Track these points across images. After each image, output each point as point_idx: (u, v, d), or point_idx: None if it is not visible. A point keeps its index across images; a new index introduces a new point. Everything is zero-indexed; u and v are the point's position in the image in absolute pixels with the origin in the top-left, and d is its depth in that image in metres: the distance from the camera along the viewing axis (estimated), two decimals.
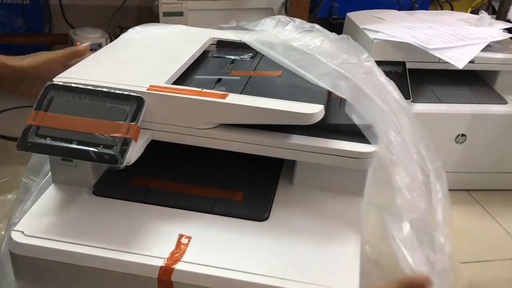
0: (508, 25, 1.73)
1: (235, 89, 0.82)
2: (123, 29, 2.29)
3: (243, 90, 0.82)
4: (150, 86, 0.76)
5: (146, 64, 0.87)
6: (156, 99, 0.74)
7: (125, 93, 0.74)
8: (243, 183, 0.82)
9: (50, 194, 0.79)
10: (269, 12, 2.12)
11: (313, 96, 0.78)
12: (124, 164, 0.69)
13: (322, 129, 0.76)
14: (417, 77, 1.63)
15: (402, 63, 1.59)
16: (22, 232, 0.71)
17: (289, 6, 1.79)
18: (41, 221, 0.73)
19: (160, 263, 0.67)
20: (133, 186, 0.81)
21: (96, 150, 0.69)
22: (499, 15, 2.05)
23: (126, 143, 0.69)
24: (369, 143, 0.77)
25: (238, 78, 0.87)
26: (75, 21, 2.49)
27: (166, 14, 1.99)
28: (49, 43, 2.44)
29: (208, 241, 0.71)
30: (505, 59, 1.61)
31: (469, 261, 1.42)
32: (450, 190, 1.73)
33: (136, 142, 0.71)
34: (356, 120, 0.79)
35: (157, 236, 0.72)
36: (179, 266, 0.67)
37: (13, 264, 0.72)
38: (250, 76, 0.88)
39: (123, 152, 0.69)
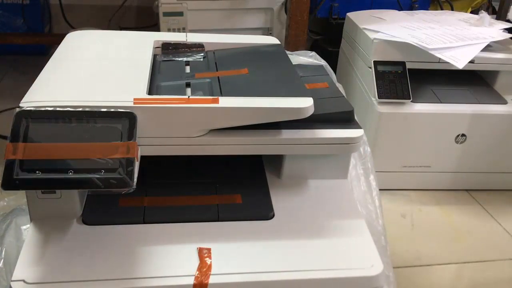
0: (508, 25, 1.72)
1: (214, 92, 0.80)
2: (123, 29, 2.29)
3: (222, 92, 0.80)
4: (135, 99, 0.71)
5: (112, 76, 0.80)
6: (145, 113, 0.70)
7: (112, 110, 0.68)
8: (235, 185, 0.82)
9: (36, 233, 0.71)
10: (268, 12, 2.12)
11: (296, 89, 0.79)
12: (134, 186, 0.64)
13: (304, 120, 0.76)
14: (417, 77, 1.63)
15: (402, 63, 1.59)
16: (24, 281, 0.64)
17: (289, 6, 1.79)
18: (40, 264, 0.66)
19: (191, 281, 0.65)
20: (126, 207, 0.76)
21: (99, 176, 0.63)
22: (499, 15, 2.05)
23: (130, 163, 0.64)
24: (354, 128, 0.79)
25: (208, 80, 0.85)
26: (75, 21, 2.49)
27: (166, 14, 1.98)
28: (49, 43, 2.44)
29: (228, 249, 0.71)
30: (505, 59, 1.61)
31: (469, 261, 1.42)
32: (450, 190, 1.74)
33: (138, 160, 0.66)
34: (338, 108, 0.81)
35: (175, 255, 0.69)
36: (212, 279, 0.66)
37: None
38: (218, 77, 0.86)
39: (130, 174, 0.64)
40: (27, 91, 0.73)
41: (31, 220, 0.74)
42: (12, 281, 0.64)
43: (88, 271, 0.66)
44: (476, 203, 1.67)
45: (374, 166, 0.99)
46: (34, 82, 0.76)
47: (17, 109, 0.67)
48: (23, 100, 0.70)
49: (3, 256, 0.80)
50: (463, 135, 1.62)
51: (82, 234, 0.72)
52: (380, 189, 1.02)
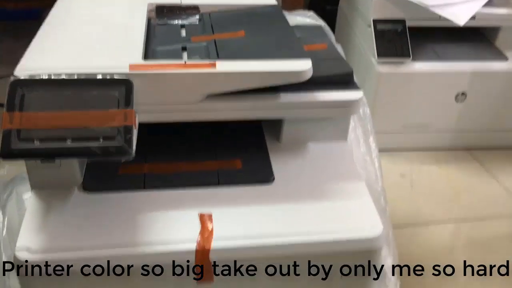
0: None
1: (211, 56, 0.78)
2: None
3: (219, 55, 0.78)
4: (130, 65, 0.69)
5: (106, 41, 0.78)
6: (141, 79, 0.68)
7: (108, 77, 0.67)
8: (235, 149, 0.82)
9: (37, 202, 0.71)
10: None
11: (294, 51, 0.77)
12: (133, 154, 0.63)
13: (303, 83, 0.75)
14: (417, 35, 1.61)
15: (402, 21, 1.56)
16: (27, 249, 0.64)
17: None
18: (43, 233, 0.66)
19: (193, 246, 0.66)
20: (126, 174, 0.76)
21: (98, 145, 0.62)
22: None
23: (128, 131, 0.63)
24: (354, 90, 0.79)
25: (204, 44, 0.83)
26: None
27: None
28: (41, 7, 2.39)
29: (229, 214, 0.71)
30: (506, 14, 1.58)
31: (467, 219, 1.44)
32: (449, 149, 1.74)
33: (136, 128, 0.65)
34: (337, 70, 0.80)
35: (176, 220, 0.69)
36: (214, 244, 0.66)
37: (24, 284, 0.66)
38: (215, 40, 0.84)
39: (129, 141, 0.63)
40: (21, 57, 0.71)
41: (32, 189, 0.73)
42: (16, 250, 0.64)
43: (90, 237, 0.66)
44: (476, 162, 1.68)
45: (373, 127, 0.99)
46: (27, 50, 0.74)
47: (12, 78, 0.66)
48: (17, 69, 0.69)
49: (5, 225, 0.80)
50: (463, 93, 1.61)
51: (83, 202, 0.72)
52: (379, 150, 1.02)
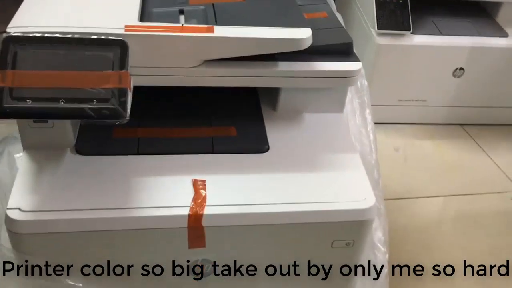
0: None
1: (209, 20, 0.76)
2: None
3: (217, 20, 0.76)
4: (126, 26, 0.67)
5: (102, 1, 0.75)
6: (137, 41, 0.66)
7: (103, 38, 0.64)
8: (230, 117, 0.81)
9: (29, 162, 0.71)
10: None
11: (294, 19, 0.76)
12: (128, 117, 0.62)
13: (301, 52, 0.73)
14: (418, 8, 1.58)
15: None
16: (19, 209, 0.64)
17: None
18: (35, 193, 0.66)
19: (186, 211, 0.66)
20: (120, 138, 0.75)
21: (91, 106, 0.61)
22: None
23: (123, 93, 0.62)
24: (353, 61, 0.78)
25: (202, 7, 0.80)
26: None
27: None
28: None
29: (222, 181, 0.71)
30: None
31: (457, 194, 1.45)
32: (444, 124, 1.74)
33: (131, 91, 0.64)
34: (336, 39, 0.79)
35: (169, 186, 0.69)
36: (207, 210, 0.66)
37: (15, 244, 0.66)
38: (213, 4, 0.81)
39: (123, 104, 0.61)
40: (14, 13, 0.69)
41: (24, 149, 0.73)
42: (7, 209, 0.64)
43: (82, 200, 0.66)
44: (469, 138, 1.68)
45: (370, 100, 0.99)
46: (21, 6, 0.72)
47: (4, 35, 0.64)
48: (10, 25, 0.66)
49: None
50: (461, 68, 1.60)
51: (76, 164, 0.72)
52: (374, 123, 1.01)
